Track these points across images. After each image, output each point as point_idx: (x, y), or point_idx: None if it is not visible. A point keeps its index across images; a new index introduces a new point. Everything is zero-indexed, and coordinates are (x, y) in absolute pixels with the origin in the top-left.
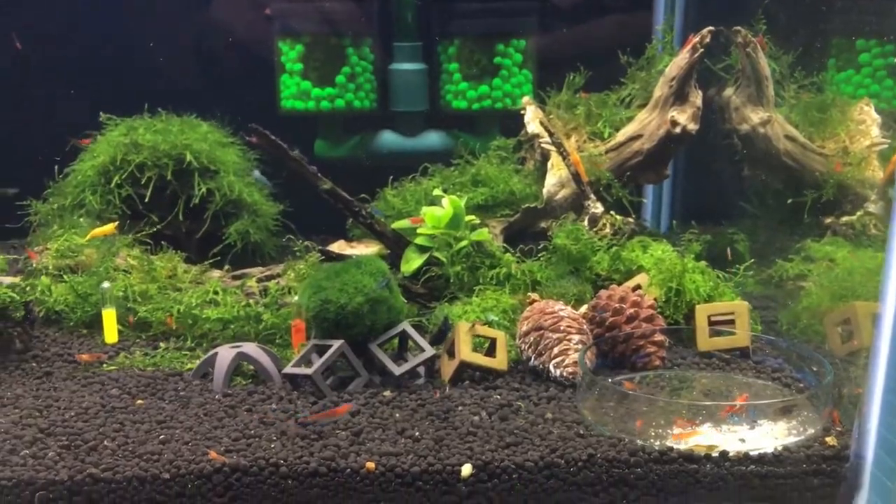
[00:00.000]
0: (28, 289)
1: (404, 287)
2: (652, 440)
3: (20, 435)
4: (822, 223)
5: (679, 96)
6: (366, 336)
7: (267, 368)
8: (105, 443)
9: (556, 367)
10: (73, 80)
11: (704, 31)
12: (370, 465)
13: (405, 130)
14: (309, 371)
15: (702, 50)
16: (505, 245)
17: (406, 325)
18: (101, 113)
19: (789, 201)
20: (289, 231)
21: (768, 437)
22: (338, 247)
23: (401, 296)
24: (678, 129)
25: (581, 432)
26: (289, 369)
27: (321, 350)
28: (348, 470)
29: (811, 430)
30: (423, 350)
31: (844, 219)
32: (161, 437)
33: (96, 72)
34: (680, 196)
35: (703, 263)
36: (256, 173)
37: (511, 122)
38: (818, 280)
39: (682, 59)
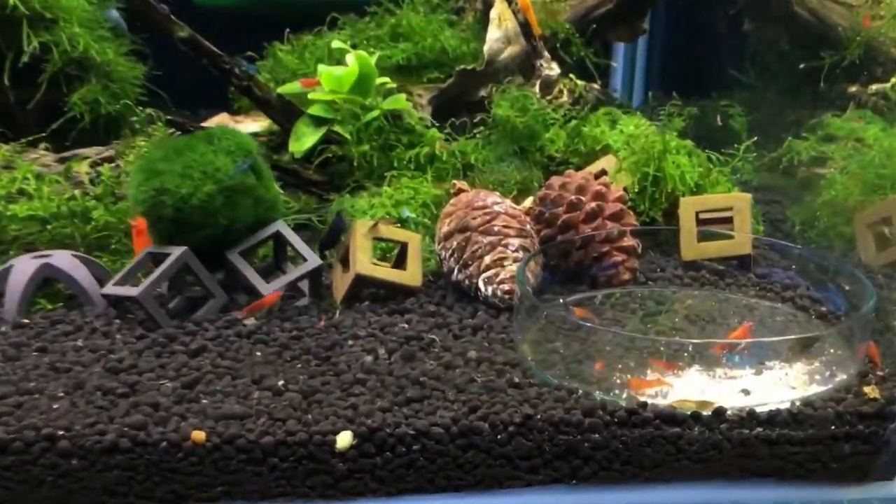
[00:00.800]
0: None
1: (293, 172)
2: (616, 392)
3: None
4: (845, 92)
5: None
6: (222, 240)
7: (84, 287)
8: None
9: (486, 282)
10: None
11: None
12: (198, 435)
13: None
14: (134, 292)
15: None
16: (432, 120)
17: (281, 225)
18: None
19: (801, 66)
20: (162, 103)
21: (781, 386)
22: (218, 121)
23: (275, 184)
24: None
25: (516, 380)
26: (110, 288)
27: (159, 259)
28: (164, 444)
29: (841, 376)
30: (305, 260)
31: (874, 87)
32: None
33: None
34: (658, 60)
35: (689, 143)
36: (113, 13)
37: None
38: (843, 166)
39: None
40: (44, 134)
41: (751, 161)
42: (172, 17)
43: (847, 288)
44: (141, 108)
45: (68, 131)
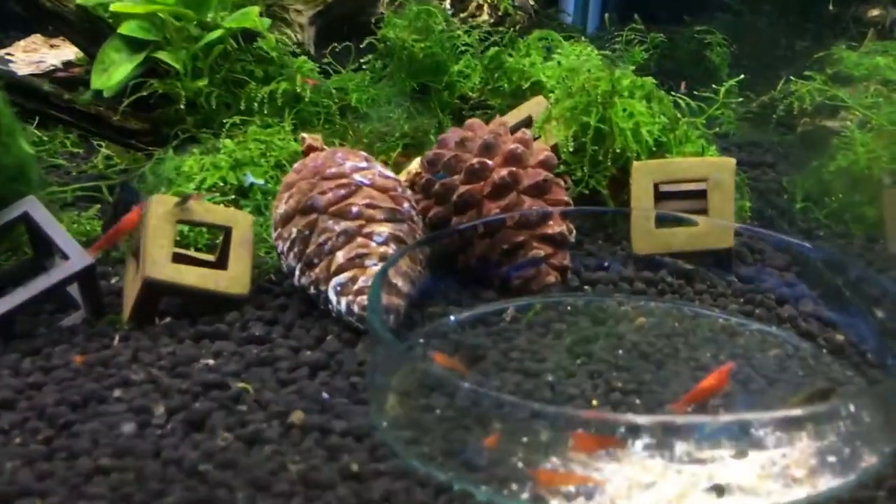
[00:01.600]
0: None
1: (95, 117)
2: (514, 489)
3: None
4: (862, 16)
5: None
6: None
7: None
8: None
9: (338, 292)
10: None
11: None
12: None
13: None
14: None
15: None
16: (309, 47)
17: (32, 204)
18: None
19: None
20: None
21: (773, 478)
22: (27, 44)
23: (23, 143)
24: None
25: (355, 469)
26: None
27: None
28: None
29: (870, 460)
30: (68, 257)
31: None
32: None
33: None
34: None
35: (648, 80)
36: None
37: None
38: (863, 119)
39: None
40: None
41: (734, 108)
42: None
43: (877, 308)
44: None
45: None
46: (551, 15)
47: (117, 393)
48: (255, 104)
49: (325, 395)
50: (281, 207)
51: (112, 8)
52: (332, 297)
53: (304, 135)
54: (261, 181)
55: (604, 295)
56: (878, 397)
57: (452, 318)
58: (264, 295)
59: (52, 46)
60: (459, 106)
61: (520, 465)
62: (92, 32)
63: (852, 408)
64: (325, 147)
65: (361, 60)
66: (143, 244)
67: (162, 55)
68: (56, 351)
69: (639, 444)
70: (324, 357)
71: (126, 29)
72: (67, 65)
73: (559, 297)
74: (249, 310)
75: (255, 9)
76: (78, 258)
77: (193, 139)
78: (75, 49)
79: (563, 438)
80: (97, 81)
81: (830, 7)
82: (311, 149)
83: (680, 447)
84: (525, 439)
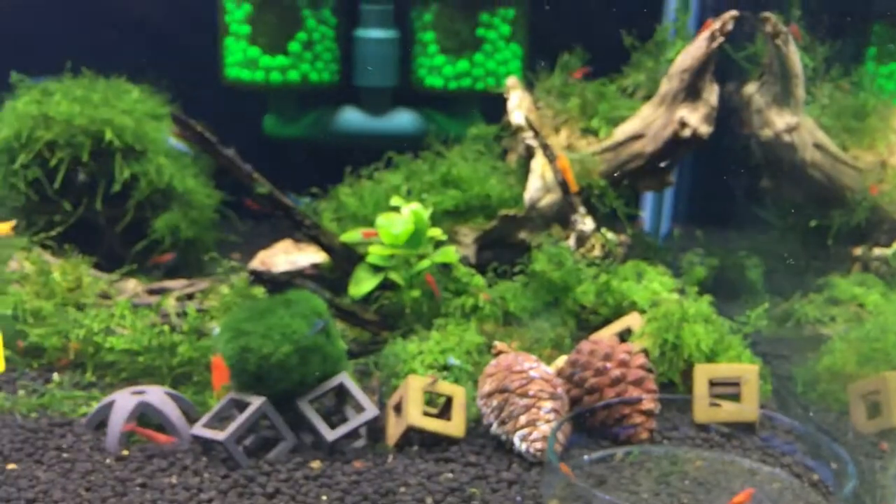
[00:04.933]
0: None
1: (352, 313)
2: None
3: None
4: (851, 254)
5: (691, 92)
6: (295, 391)
7: (175, 424)
8: None
9: (521, 439)
10: None
11: (726, 15)
12: None
13: (371, 108)
14: (220, 437)
15: (721, 39)
16: (471, 264)
17: (345, 378)
18: (12, 72)
19: (813, 223)
20: (226, 217)
21: None
22: (283, 249)
23: (340, 340)
24: (687, 132)
25: None
26: (198, 430)
27: (241, 406)
28: None
29: None
30: (363, 409)
31: (877, 251)
32: None
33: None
34: (685, 198)
35: (707, 308)
36: (171, 140)
37: (494, 104)
38: (843, 334)
39: (697, 47)
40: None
41: (764, 312)
42: (254, 175)
43: (834, 465)
44: (226, 258)
45: (150, 251)
46: (639, 235)
47: (402, 490)
48: (451, 310)
49: (517, 498)
50: (486, 386)
51: (370, 250)
52: (517, 442)
53: (497, 343)
54: (458, 362)
55: (676, 446)
56: None
57: (586, 457)
58: (471, 434)
59: (299, 249)
60: (579, 311)
61: None
62: (348, 258)
63: None
64: (509, 351)
65: (515, 274)
66: (405, 403)
67: (392, 275)
68: (361, 460)
69: None
70: (513, 476)
71: (372, 259)
72: (314, 266)
73: (649, 447)
74: (463, 445)
75: (452, 248)
76: (371, 410)
77: (411, 330)
78: (322, 254)
79: None
80: (352, 290)
81: (831, 244)
82: (500, 352)
83: None
84: None
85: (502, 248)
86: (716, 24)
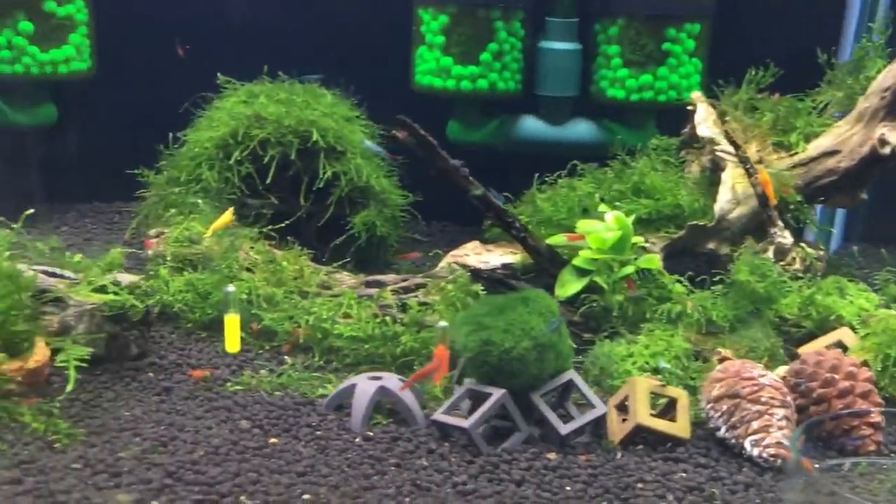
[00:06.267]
0: (149, 290)
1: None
2: None
3: (147, 479)
4: None
5: (892, 110)
6: (529, 385)
7: (412, 410)
8: (242, 498)
9: (753, 444)
10: (191, 39)
11: None
12: None
13: (551, 118)
14: (465, 424)
15: None
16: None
17: (574, 375)
18: (218, 74)
19: None
20: (411, 217)
21: None
22: (472, 249)
23: (569, 339)
24: (887, 150)
25: None
26: (440, 416)
27: (476, 397)
28: None
29: None
30: (591, 405)
31: None
32: (305, 496)
33: (214, 32)
34: (860, 216)
35: None
36: (367, 143)
37: (668, 116)
38: None
39: None
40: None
41: None
42: (470, 178)
43: None
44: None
45: (346, 245)
46: (831, 259)
47: (640, 486)
48: (656, 315)
49: (757, 501)
50: (715, 391)
51: (581, 254)
52: (748, 446)
53: (720, 349)
54: (668, 366)
55: None
56: None
57: (816, 465)
58: (695, 438)
59: (488, 251)
60: (779, 323)
61: None
62: (553, 261)
63: None
64: (732, 357)
65: (711, 285)
66: (633, 403)
67: (597, 278)
68: (590, 454)
69: None
70: (746, 479)
71: (578, 262)
72: (506, 266)
73: (875, 460)
74: (689, 447)
75: (657, 256)
76: (600, 407)
77: (616, 333)
78: (509, 254)
79: None
80: (559, 292)
81: None
82: (724, 358)
83: None
84: None
85: (688, 258)
86: None
